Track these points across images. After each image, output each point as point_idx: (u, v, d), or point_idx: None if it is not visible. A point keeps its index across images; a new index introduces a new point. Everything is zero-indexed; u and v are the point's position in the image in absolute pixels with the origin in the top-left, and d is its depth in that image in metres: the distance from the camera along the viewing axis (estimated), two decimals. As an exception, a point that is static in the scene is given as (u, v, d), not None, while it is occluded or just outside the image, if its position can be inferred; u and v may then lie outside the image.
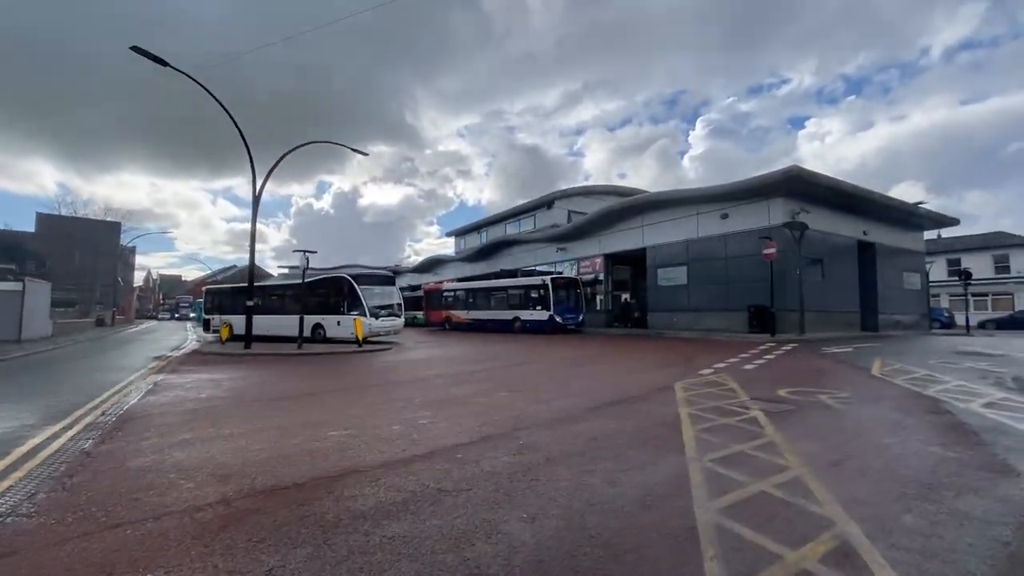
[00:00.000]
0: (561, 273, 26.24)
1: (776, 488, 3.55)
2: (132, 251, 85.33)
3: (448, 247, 53.39)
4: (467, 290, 27.79)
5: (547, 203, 31.55)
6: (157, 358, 15.01)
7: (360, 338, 16.78)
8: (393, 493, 3.57)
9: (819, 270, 19.66)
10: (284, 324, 20.80)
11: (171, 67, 14.69)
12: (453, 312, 27.81)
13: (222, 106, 16.06)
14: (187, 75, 15.20)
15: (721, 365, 10.29)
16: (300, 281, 19.52)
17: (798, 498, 3.36)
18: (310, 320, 20.46)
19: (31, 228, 55.45)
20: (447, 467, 4.20)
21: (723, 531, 2.88)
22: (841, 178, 19.09)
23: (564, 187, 31.81)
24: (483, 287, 26.95)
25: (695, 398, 6.93)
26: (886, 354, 12.02)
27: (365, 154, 21.21)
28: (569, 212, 30.63)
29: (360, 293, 18.79)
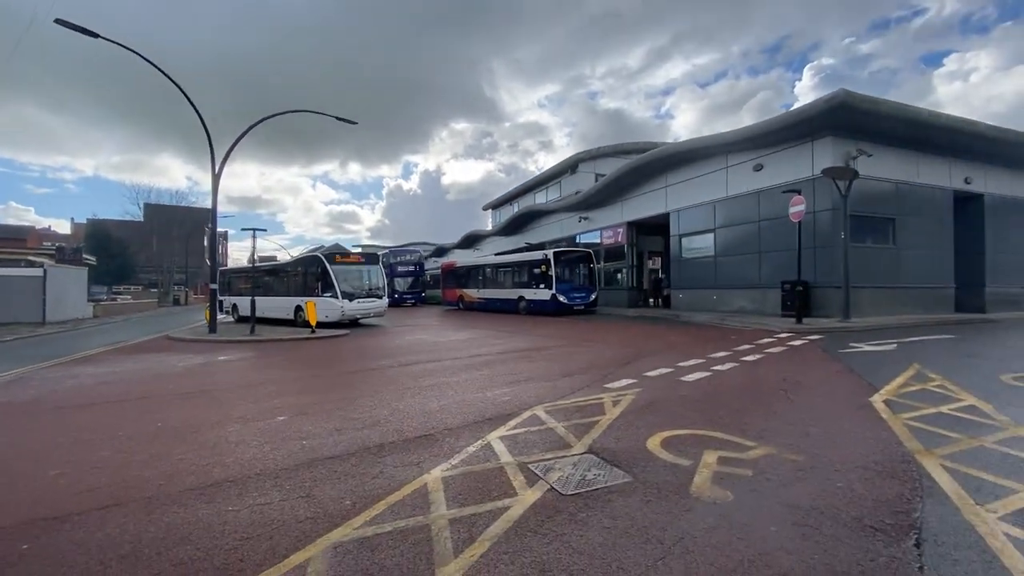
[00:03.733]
0: (574, 246, 23.04)
1: None
2: (224, 236, 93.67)
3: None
4: (477, 267, 25.54)
5: (571, 167, 27.92)
6: (116, 343, 14.65)
7: (312, 323, 15.29)
8: None
9: (889, 232, 14.84)
10: (273, 306, 20.12)
11: (102, 38, 13.71)
12: (466, 291, 25.79)
13: (177, 84, 14.95)
14: (124, 46, 14.18)
15: (661, 371, 7.25)
16: (276, 263, 18.63)
17: None
18: (294, 301, 19.54)
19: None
20: None
21: None
22: (1002, 124, 13.68)
23: (587, 147, 27.91)
24: (491, 264, 24.53)
25: (504, 446, 4.25)
26: (941, 357, 8.07)
27: (354, 123, 19.50)
28: (596, 176, 26.90)
29: (332, 273, 17.35)
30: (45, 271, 21.44)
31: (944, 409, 4.96)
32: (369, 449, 4.35)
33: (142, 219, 58.50)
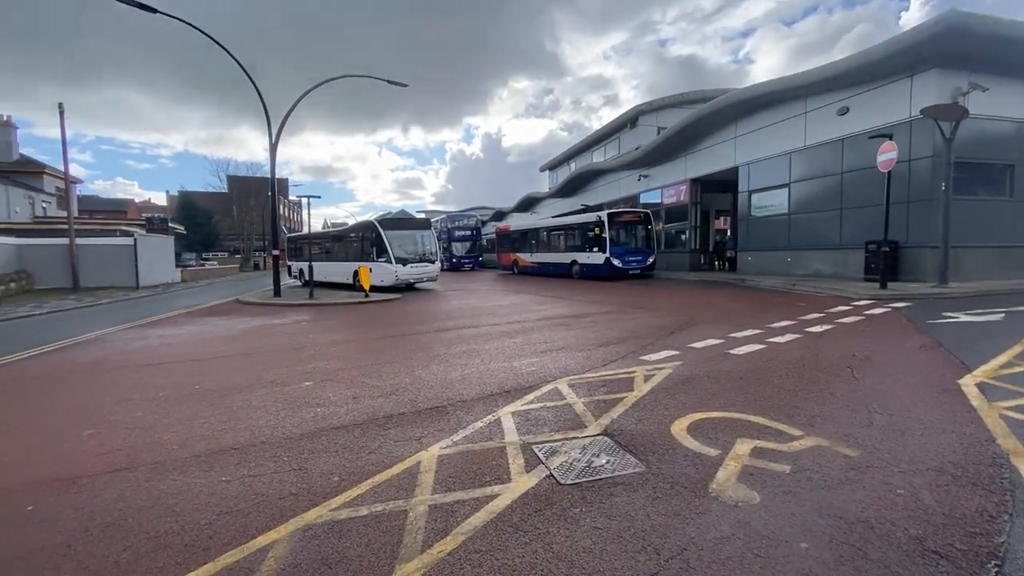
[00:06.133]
0: (635, 206, 21.84)
1: None
2: (297, 204, 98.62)
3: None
4: (530, 231, 24.99)
5: (630, 120, 26.14)
6: (192, 307, 15.82)
7: (366, 287, 15.65)
8: None
9: (1005, 182, 12.61)
10: (335, 271, 20.89)
11: (161, 12, 14.19)
12: (519, 255, 25.44)
13: (234, 58, 15.31)
14: (185, 22, 14.61)
15: (708, 343, 6.59)
16: (337, 230, 19.14)
17: None
18: (352, 266, 20.15)
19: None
20: None
21: None
22: None
23: (651, 99, 25.83)
24: (544, 227, 23.86)
25: (522, 422, 3.95)
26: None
27: (404, 85, 19.32)
28: (658, 129, 25.02)
29: (386, 239, 17.63)
30: (135, 240, 23.48)
31: (1059, 396, 4.04)
32: (377, 420, 4.21)
33: (225, 189, 62.47)
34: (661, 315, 9.33)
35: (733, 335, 7.00)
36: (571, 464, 3.17)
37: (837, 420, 3.70)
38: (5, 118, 27.61)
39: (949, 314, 7.90)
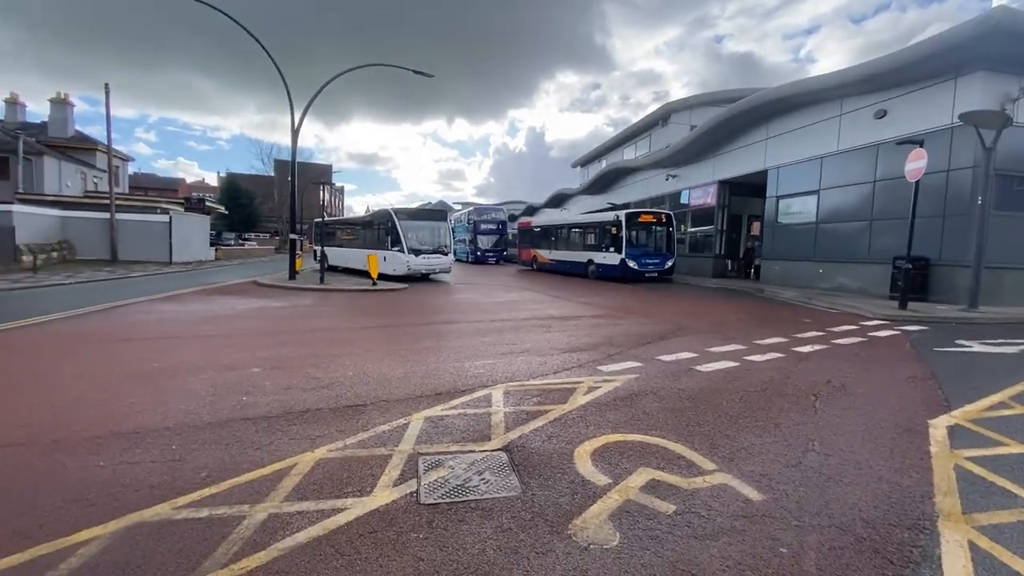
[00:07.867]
0: (660, 206, 21.09)
1: None
2: (340, 190, 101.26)
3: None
4: (550, 228, 24.55)
5: (662, 118, 25.17)
6: (210, 284, 16.36)
7: (373, 275, 15.75)
8: None
9: (1060, 198, 11.35)
10: (353, 257, 21.15)
11: (207, 4, 14.55)
12: (539, 252, 25.08)
13: (252, 35, 15.61)
14: (218, 9, 14.97)
15: (679, 356, 6.16)
16: (356, 217, 19.34)
17: None
18: (367, 253, 20.34)
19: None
20: None
21: None
22: None
23: (684, 96, 24.76)
24: (564, 224, 23.41)
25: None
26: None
27: (430, 75, 19.27)
28: (691, 128, 24.02)
29: (400, 228, 17.71)
30: (171, 217, 24.52)
31: (1044, 450, 3.49)
32: (290, 414, 4.10)
33: (272, 173, 64.57)
34: (651, 322, 8.88)
35: (712, 349, 6.53)
36: (445, 480, 2.95)
37: (763, 456, 3.31)
38: (63, 95, 29.29)
39: (963, 342, 7.11)
